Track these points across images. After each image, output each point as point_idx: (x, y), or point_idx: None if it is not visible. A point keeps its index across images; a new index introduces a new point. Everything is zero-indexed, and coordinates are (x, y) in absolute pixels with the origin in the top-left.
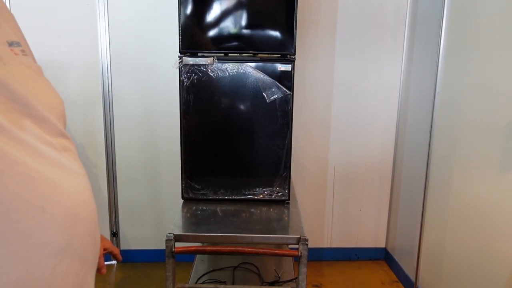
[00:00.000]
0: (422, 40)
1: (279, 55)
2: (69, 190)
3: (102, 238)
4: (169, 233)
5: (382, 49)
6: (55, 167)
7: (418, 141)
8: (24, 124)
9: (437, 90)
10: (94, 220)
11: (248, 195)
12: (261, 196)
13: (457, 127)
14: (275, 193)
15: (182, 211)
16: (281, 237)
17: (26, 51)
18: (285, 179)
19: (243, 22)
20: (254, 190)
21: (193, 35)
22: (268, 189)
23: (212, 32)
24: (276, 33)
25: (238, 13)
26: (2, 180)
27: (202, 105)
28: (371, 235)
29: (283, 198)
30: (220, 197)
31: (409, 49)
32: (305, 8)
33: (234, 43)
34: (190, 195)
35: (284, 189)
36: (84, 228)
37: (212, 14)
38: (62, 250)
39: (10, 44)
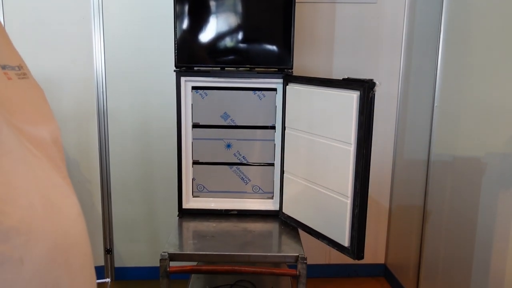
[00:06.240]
0: (420, 54)
1: (276, 69)
2: (56, 229)
3: None
4: (164, 252)
5: (380, 63)
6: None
7: (416, 155)
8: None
9: (435, 104)
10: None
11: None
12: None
13: (456, 139)
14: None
15: (178, 228)
16: (278, 256)
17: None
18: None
19: (240, 36)
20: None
21: (189, 50)
22: None
23: (208, 47)
24: (273, 47)
25: (235, 27)
26: None
27: None
28: (370, 251)
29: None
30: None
31: (406, 63)
32: (302, 23)
33: (231, 57)
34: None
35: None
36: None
37: (209, 29)
38: None
39: (3, 67)
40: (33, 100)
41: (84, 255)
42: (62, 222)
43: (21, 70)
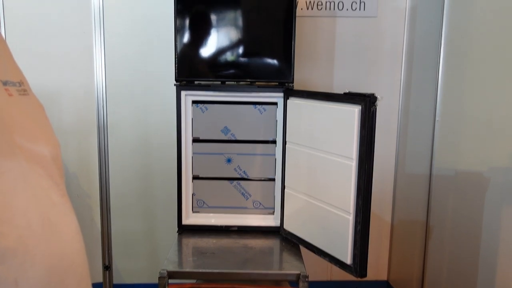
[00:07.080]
0: (421, 67)
1: (277, 83)
2: (53, 249)
3: None
4: (162, 270)
5: (380, 77)
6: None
7: (418, 169)
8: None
9: (437, 119)
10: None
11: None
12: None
13: (458, 153)
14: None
15: (178, 245)
16: (279, 273)
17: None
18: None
19: (240, 50)
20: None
21: (190, 63)
22: None
23: (208, 60)
24: (273, 61)
25: (235, 41)
26: None
27: None
28: (372, 267)
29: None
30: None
31: (406, 77)
32: (303, 37)
33: (231, 71)
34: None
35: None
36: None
37: (209, 42)
38: None
39: (4, 83)
40: (34, 117)
41: (81, 275)
42: (59, 241)
43: (21, 86)
